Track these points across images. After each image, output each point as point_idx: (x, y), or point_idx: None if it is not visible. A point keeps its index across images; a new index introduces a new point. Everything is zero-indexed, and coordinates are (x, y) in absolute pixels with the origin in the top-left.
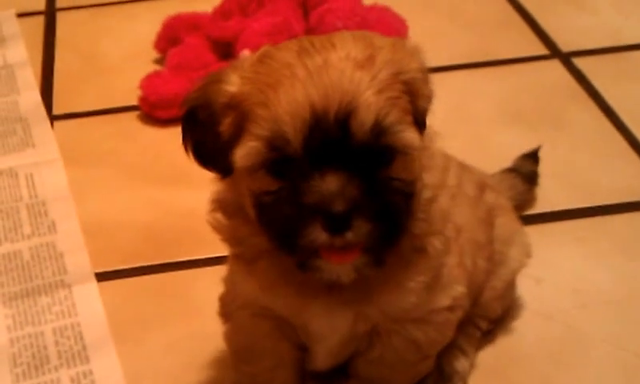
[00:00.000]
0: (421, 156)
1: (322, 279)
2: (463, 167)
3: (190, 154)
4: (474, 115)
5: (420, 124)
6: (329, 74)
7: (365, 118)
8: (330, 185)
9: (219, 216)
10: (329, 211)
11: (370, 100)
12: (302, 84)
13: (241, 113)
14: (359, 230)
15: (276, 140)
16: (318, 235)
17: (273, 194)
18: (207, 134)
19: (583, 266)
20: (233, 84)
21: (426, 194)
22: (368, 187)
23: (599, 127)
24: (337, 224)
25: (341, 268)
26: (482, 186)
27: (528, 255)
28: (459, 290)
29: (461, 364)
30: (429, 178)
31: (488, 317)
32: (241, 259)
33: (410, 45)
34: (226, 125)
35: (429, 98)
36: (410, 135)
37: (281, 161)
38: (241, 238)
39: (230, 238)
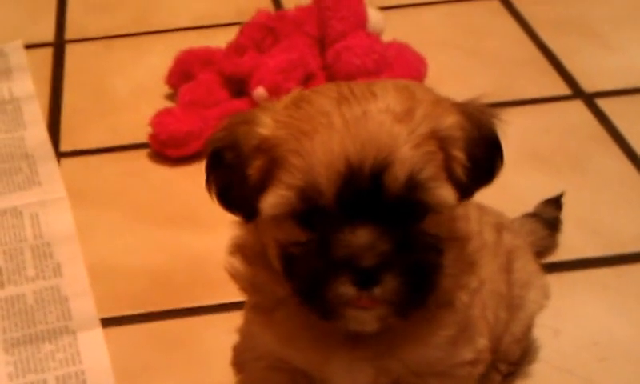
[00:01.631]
0: (455, 213)
1: (346, 328)
2: (480, 209)
3: (214, 196)
4: None
5: (458, 184)
6: (366, 127)
7: (399, 172)
8: (360, 239)
9: (237, 262)
10: (358, 266)
11: (406, 155)
12: (339, 135)
13: (272, 158)
14: (388, 286)
15: (308, 191)
16: (346, 290)
17: (301, 246)
18: (234, 177)
19: (603, 316)
20: (265, 126)
21: (456, 247)
22: (399, 242)
23: (623, 171)
24: (365, 279)
25: (364, 316)
26: (499, 228)
27: (546, 297)
28: (483, 343)
29: None
30: (457, 230)
31: (508, 360)
32: (258, 309)
33: (450, 102)
34: (254, 168)
35: (462, 164)
36: (444, 192)
37: (311, 212)
38: (259, 286)
39: (247, 286)
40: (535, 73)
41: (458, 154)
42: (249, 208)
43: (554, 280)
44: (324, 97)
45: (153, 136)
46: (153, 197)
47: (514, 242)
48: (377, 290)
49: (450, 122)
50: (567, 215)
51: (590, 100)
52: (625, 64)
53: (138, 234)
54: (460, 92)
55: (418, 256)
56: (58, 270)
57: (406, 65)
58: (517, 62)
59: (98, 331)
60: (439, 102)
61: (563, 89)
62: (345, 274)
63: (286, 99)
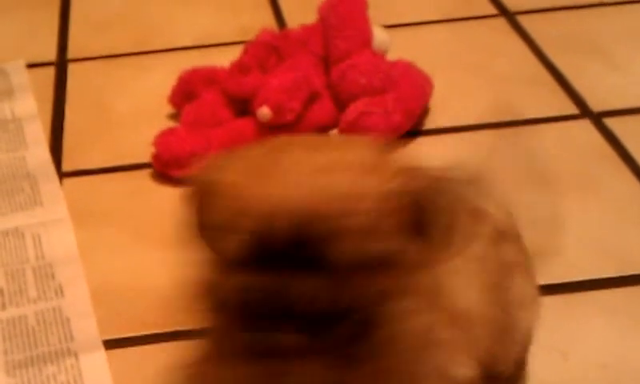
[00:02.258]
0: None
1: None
2: (477, 217)
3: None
4: (499, 176)
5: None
6: (323, 178)
7: (350, 226)
8: (301, 287)
9: None
10: (298, 314)
11: (359, 210)
12: (292, 183)
13: (233, 203)
14: (329, 336)
15: (257, 237)
16: (285, 337)
17: (247, 292)
18: (203, 218)
19: (612, 338)
20: (233, 172)
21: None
22: (342, 292)
23: (632, 191)
24: (306, 328)
25: (307, 368)
26: (498, 239)
27: (537, 318)
28: (463, 372)
29: None
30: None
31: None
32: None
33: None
34: (218, 212)
35: (437, 215)
36: (395, 250)
37: (260, 258)
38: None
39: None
40: (542, 91)
41: (412, 216)
42: (214, 249)
43: (562, 302)
44: (298, 146)
45: (156, 156)
46: (155, 217)
47: (516, 258)
48: (317, 341)
49: (412, 186)
50: (576, 236)
51: (598, 119)
52: (634, 82)
53: (140, 255)
54: (466, 111)
55: (362, 306)
56: (59, 291)
57: (411, 84)
58: (523, 80)
59: (101, 353)
60: (396, 165)
61: (571, 108)
62: (284, 322)
63: (267, 145)
